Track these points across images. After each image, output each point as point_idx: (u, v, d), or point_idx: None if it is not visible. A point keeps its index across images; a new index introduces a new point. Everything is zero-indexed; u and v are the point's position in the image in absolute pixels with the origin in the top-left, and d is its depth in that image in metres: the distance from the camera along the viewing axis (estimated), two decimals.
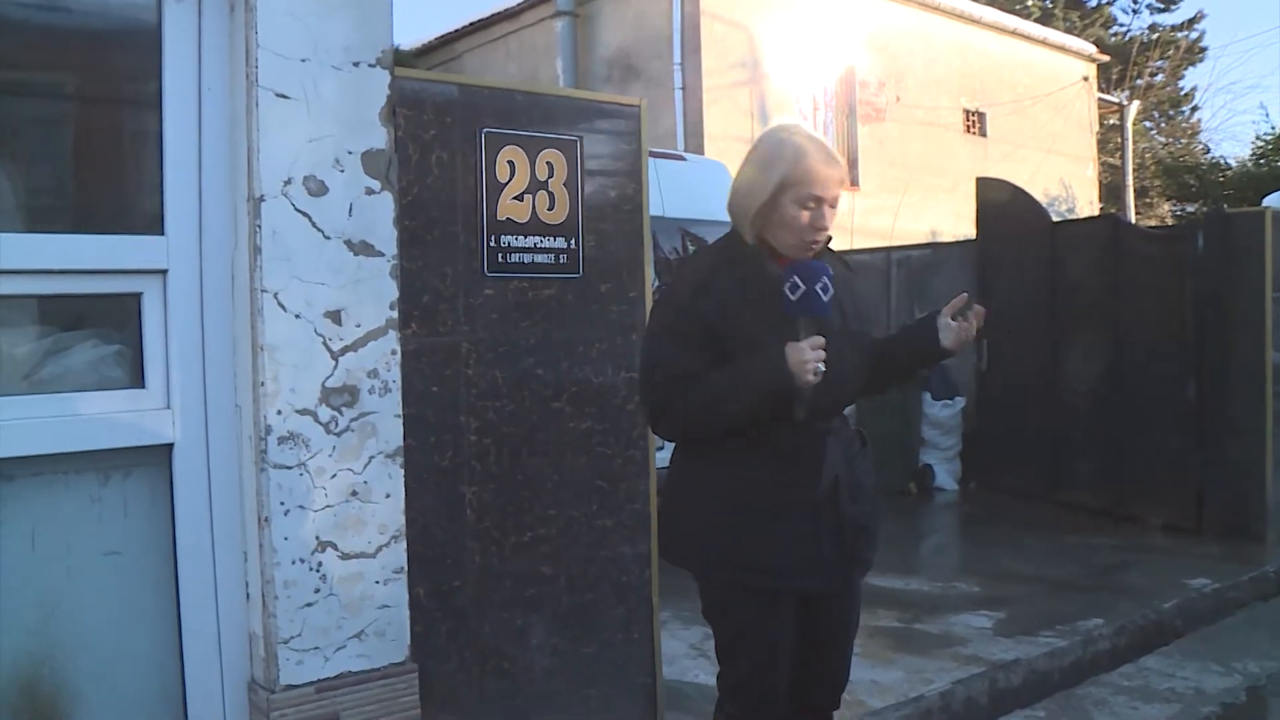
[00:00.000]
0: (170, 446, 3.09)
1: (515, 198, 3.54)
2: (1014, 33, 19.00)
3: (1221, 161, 14.89)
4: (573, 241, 3.66)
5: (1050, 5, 30.50)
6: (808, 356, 2.63)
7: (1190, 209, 17.43)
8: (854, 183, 16.03)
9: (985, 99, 18.34)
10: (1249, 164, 14.09)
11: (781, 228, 2.78)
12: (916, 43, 17.17)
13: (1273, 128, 16.20)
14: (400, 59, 17.38)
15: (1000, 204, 9.31)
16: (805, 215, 2.75)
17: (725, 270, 2.80)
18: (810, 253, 2.79)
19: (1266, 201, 8.25)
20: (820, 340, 2.66)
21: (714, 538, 2.83)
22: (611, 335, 3.77)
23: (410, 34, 20.72)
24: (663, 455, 6.81)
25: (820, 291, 2.67)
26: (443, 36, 18.31)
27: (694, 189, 7.87)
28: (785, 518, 2.77)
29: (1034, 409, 8.81)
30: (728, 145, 14.27)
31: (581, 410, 3.70)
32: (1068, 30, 26.19)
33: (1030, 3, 29.35)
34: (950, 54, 17.74)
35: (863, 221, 15.10)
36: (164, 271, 3.07)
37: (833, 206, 2.79)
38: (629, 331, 3.80)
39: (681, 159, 7.92)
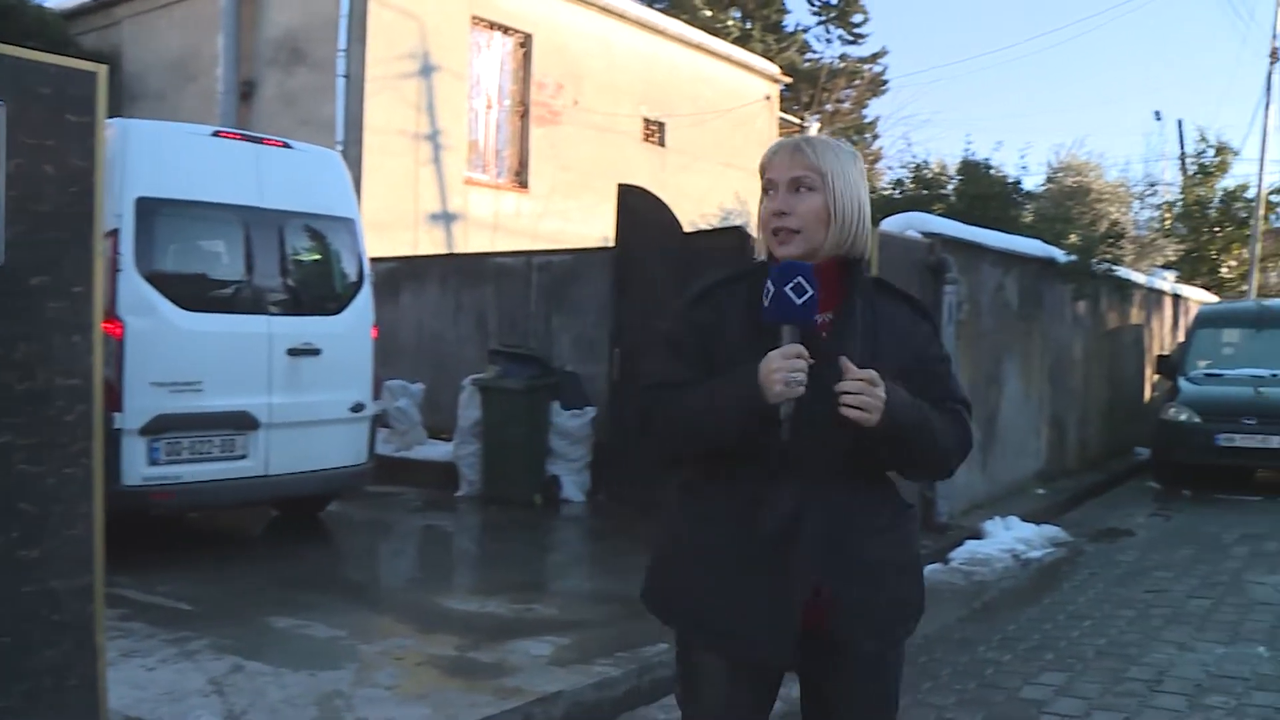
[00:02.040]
0: None
1: None
2: (698, 47, 19.28)
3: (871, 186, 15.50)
4: None
5: (749, 27, 31.41)
6: (776, 365, 2.29)
7: None
8: (523, 184, 15.83)
9: (666, 109, 18.51)
10: (890, 190, 14.74)
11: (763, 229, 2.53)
12: (597, 47, 17.13)
13: (914, 157, 17.00)
14: (47, 21, 16.07)
15: (638, 211, 9.21)
16: (765, 204, 2.51)
17: (731, 283, 2.54)
18: (780, 246, 2.46)
19: (884, 225, 8.43)
20: (796, 349, 2.31)
21: (669, 581, 2.56)
22: (46, 335, 3.25)
23: None
24: (148, 471, 6.37)
25: (792, 293, 2.33)
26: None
27: (301, 180, 7.37)
28: (728, 568, 2.44)
29: None
30: (390, 138, 13.80)
31: None
32: (764, 52, 26.96)
33: (730, 23, 30.12)
34: (632, 62, 17.81)
35: (531, 224, 14.91)
36: None
37: (796, 191, 2.45)
38: (71, 331, 3.29)
39: (288, 146, 7.35)
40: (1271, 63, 22.44)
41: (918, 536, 2.66)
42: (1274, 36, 22.30)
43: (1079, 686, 5.28)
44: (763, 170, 2.53)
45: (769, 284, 2.36)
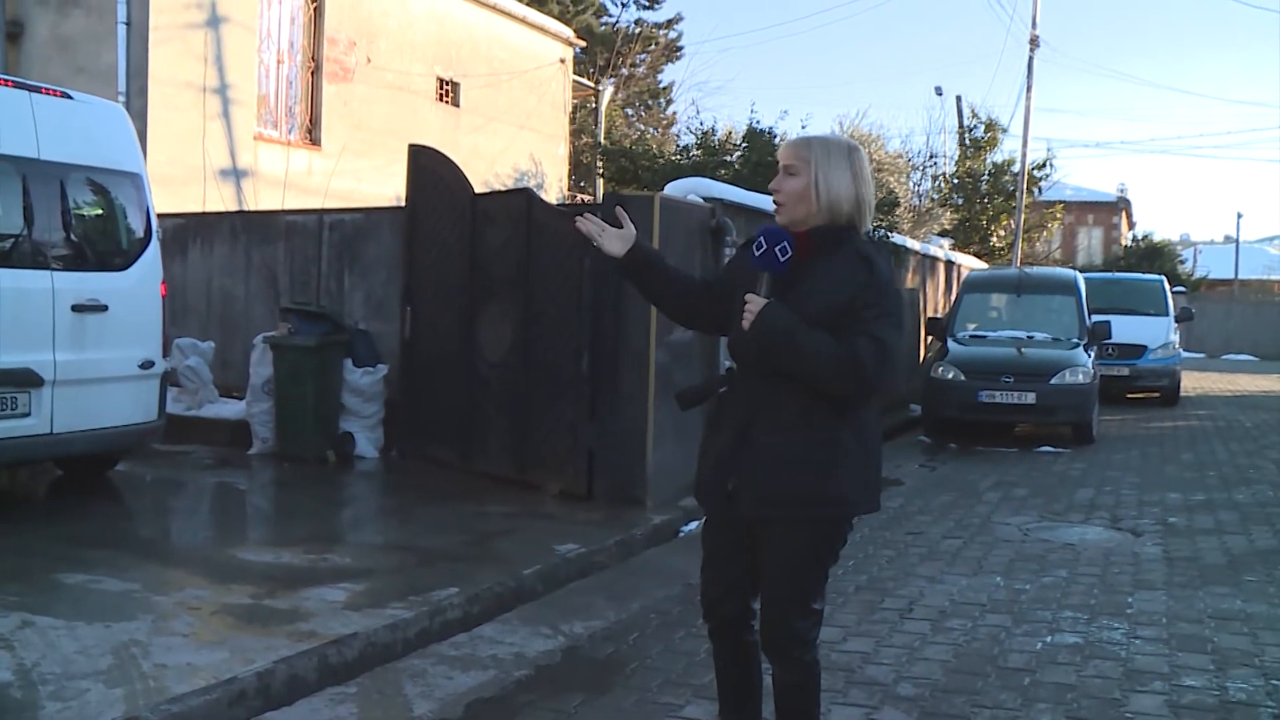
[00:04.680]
0: None
1: None
2: (493, 7, 19.34)
3: (654, 150, 15.93)
4: None
5: None
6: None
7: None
8: (315, 142, 15.68)
9: (460, 69, 18.53)
10: (677, 157, 15.18)
11: None
12: (392, 5, 17.04)
13: (701, 123, 17.54)
14: None
15: (429, 171, 9.33)
16: None
17: (749, 242, 3.36)
18: (776, 212, 3.35)
19: (667, 189, 8.79)
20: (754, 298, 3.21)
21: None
22: None
23: None
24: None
25: (778, 252, 3.20)
26: None
27: (83, 132, 7.23)
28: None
29: (452, 378, 8.92)
30: (177, 91, 13.48)
31: None
32: (560, 15, 27.09)
33: None
34: (427, 21, 17.76)
35: (323, 182, 14.77)
36: None
37: (789, 175, 3.30)
38: None
39: (68, 97, 7.19)
40: (1031, 50, 23.89)
41: (840, 442, 3.27)
42: (1033, 26, 23.75)
43: (838, 617, 5.75)
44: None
45: (760, 240, 3.23)
